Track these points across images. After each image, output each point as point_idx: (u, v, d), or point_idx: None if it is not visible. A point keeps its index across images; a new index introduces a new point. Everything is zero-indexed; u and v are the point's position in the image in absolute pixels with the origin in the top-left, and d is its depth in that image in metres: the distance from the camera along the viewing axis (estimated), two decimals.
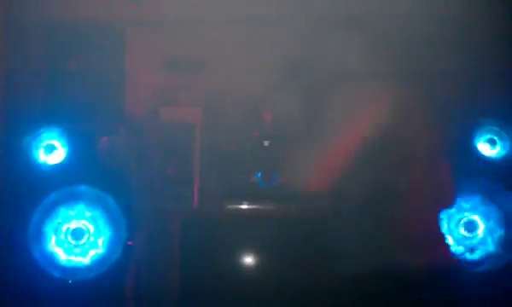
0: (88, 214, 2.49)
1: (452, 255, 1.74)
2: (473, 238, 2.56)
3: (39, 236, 2.45)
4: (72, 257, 2.47)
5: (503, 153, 2.63)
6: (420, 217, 1.70)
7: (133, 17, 2.76)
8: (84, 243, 2.47)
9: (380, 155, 1.70)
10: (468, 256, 2.54)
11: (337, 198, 1.77)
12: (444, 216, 2.59)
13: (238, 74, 2.82)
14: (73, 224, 2.47)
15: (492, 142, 2.65)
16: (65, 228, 2.47)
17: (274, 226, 2.64)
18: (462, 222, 2.57)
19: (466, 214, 2.57)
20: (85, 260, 2.47)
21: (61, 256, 2.46)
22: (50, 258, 2.45)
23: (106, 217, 2.50)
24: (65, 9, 2.68)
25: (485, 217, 2.57)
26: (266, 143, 2.84)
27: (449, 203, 1.88)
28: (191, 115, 2.71)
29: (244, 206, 2.73)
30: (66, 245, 2.46)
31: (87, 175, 2.51)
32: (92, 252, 2.48)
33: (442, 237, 1.75)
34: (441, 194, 1.82)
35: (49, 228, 2.46)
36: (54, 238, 2.46)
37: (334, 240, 1.79)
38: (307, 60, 2.79)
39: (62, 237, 2.46)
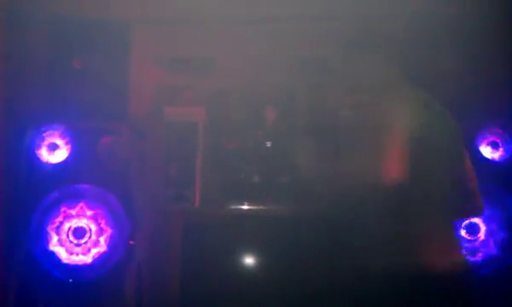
0: (90, 213, 2.47)
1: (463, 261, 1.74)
2: (474, 241, 2.58)
3: (41, 235, 2.43)
4: (74, 257, 2.45)
5: (506, 155, 2.64)
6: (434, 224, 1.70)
7: (137, 15, 2.75)
8: (86, 242, 2.45)
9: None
10: (470, 258, 2.56)
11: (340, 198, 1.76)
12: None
13: (242, 74, 2.82)
14: (75, 223, 2.46)
15: (495, 145, 2.65)
16: (66, 227, 2.45)
17: (275, 226, 2.64)
18: (463, 224, 2.59)
19: None
20: (87, 259, 2.45)
21: (63, 255, 2.45)
22: (52, 258, 2.43)
23: (108, 215, 2.48)
24: (69, 7, 2.66)
25: (487, 220, 2.59)
26: (269, 144, 2.84)
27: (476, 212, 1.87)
28: (194, 114, 2.70)
29: (246, 206, 2.73)
30: (67, 244, 2.45)
31: (89, 174, 2.49)
32: (94, 251, 2.46)
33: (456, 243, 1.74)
34: (464, 202, 1.80)
35: (50, 228, 2.44)
36: (56, 237, 2.44)
37: (335, 240, 1.79)
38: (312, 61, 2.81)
39: (64, 236, 2.45)
